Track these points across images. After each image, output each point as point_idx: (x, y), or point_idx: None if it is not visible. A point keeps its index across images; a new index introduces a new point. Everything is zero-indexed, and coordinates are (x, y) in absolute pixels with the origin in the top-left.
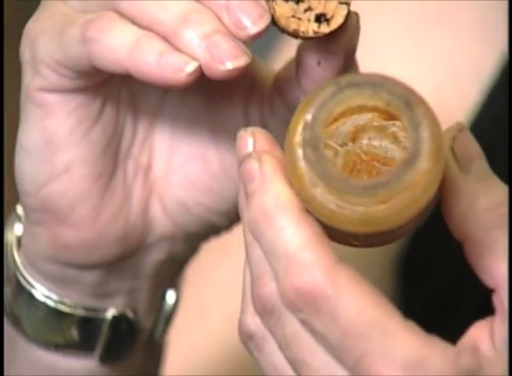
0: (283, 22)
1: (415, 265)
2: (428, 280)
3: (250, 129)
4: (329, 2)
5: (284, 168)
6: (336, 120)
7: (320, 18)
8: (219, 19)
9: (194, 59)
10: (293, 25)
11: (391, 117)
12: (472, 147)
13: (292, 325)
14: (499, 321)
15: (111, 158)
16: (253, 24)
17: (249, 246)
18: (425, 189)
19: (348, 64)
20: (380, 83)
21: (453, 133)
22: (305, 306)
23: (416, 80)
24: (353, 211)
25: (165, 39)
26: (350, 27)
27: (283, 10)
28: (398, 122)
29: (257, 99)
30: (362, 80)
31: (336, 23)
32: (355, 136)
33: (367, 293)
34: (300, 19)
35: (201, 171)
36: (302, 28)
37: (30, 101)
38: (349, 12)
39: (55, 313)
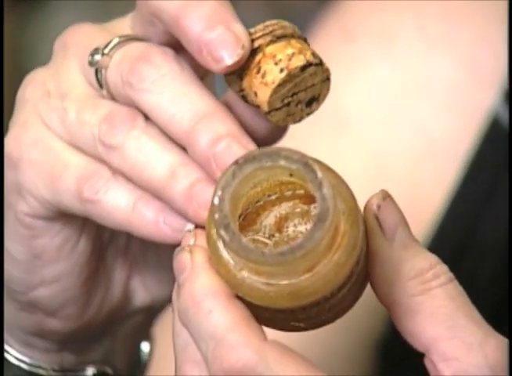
0: (281, 123)
1: (395, 350)
2: (409, 365)
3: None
4: (315, 86)
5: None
6: (258, 214)
7: (311, 102)
8: (205, 165)
9: (184, 214)
10: (290, 121)
11: (311, 200)
12: (396, 215)
13: None
14: None
15: (96, 261)
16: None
17: (175, 335)
18: (347, 251)
19: None
20: (276, 152)
21: (377, 201)
22: None
23: (391, 153)
24: (281, 286)
25: (157, 194)
26: None
27: (278, 117)
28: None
29: None
30: (258, 153)
31: (324, 97)
32: (280, 226)
33: (298, 364)
34: (294, 113)
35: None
36: (297, 118)
37: (18, 222)
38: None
39: None
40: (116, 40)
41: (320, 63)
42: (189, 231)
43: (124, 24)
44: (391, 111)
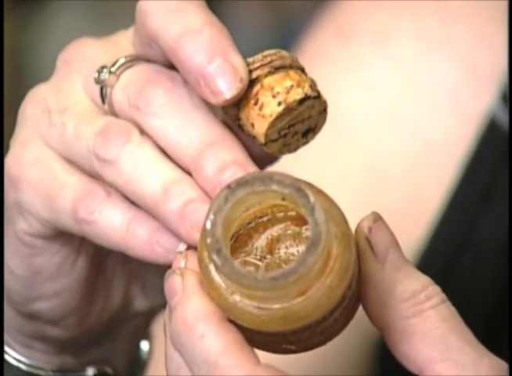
0: (276, 154)
1: None
2: None
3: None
4: (312, 118)
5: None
6: (250, 236)
7: (308, 132)
8: (211, 192)
9: (177, 233)
10: (285, 151)
11: (303, 221)
12: (387, 237)
13: None
14: None
15: (95, 274)
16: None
17: (168, 358)
18: (339, 275)
19: None
20: (268, 176)
21: (368, 224)
22: None
23: (389, 154)
24: (273, 310)
25: (150, 211)
26: None
27: (274, 148)
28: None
29: None
30: (250, 177)
31: (320, 127)
32: (271, 248)
33: None
34: (290, 144)
35: None
36: (293, 148)
37: (18, 240)
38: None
39: None
40: (122, 60)
41: (318, 96)
42: (180, 253)
43: (127, 39)
44: (389, 112)
